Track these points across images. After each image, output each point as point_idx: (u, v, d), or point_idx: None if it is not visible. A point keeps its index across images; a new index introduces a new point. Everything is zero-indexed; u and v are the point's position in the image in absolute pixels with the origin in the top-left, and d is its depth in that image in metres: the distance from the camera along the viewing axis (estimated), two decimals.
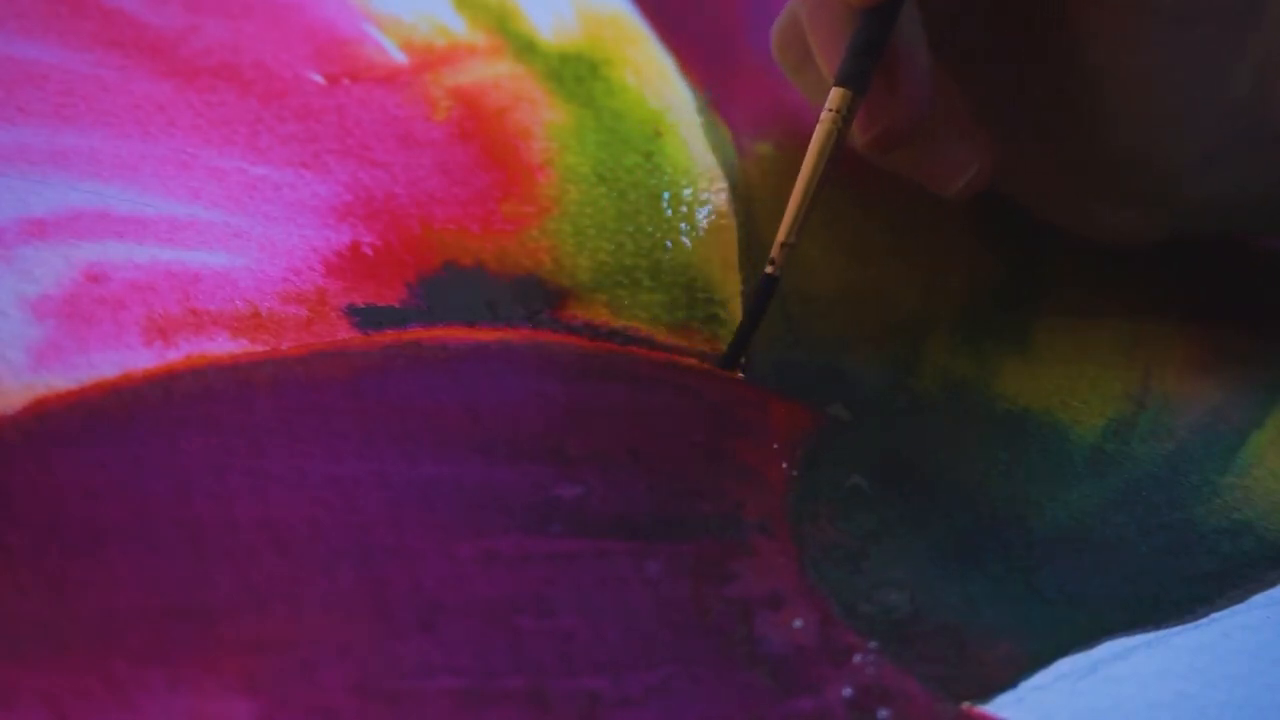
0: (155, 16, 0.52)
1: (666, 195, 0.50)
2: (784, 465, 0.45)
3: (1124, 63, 0.48)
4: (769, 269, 0.46)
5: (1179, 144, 0.48)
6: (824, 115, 0.46)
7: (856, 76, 0.46)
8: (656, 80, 0.54)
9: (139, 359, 0.43)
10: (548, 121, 0.51)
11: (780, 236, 0.46)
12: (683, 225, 0.50)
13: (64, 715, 0.37)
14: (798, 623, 0.41)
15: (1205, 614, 0.43)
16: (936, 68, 0.47)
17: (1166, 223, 0.50)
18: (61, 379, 0.42)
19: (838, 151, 0.46)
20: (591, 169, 0.51)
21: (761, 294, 0.46)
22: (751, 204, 0.51)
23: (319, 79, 0.52)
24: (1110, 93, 0.48)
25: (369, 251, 0.47)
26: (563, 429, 0.44)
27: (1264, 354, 0.49)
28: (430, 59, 0.53)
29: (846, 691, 0.40)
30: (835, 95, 0.46)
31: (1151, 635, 0.43)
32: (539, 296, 0.47)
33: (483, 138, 0.51)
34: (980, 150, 0.48)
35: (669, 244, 0.49)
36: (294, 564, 0.40)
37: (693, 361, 0.47)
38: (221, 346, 0.44)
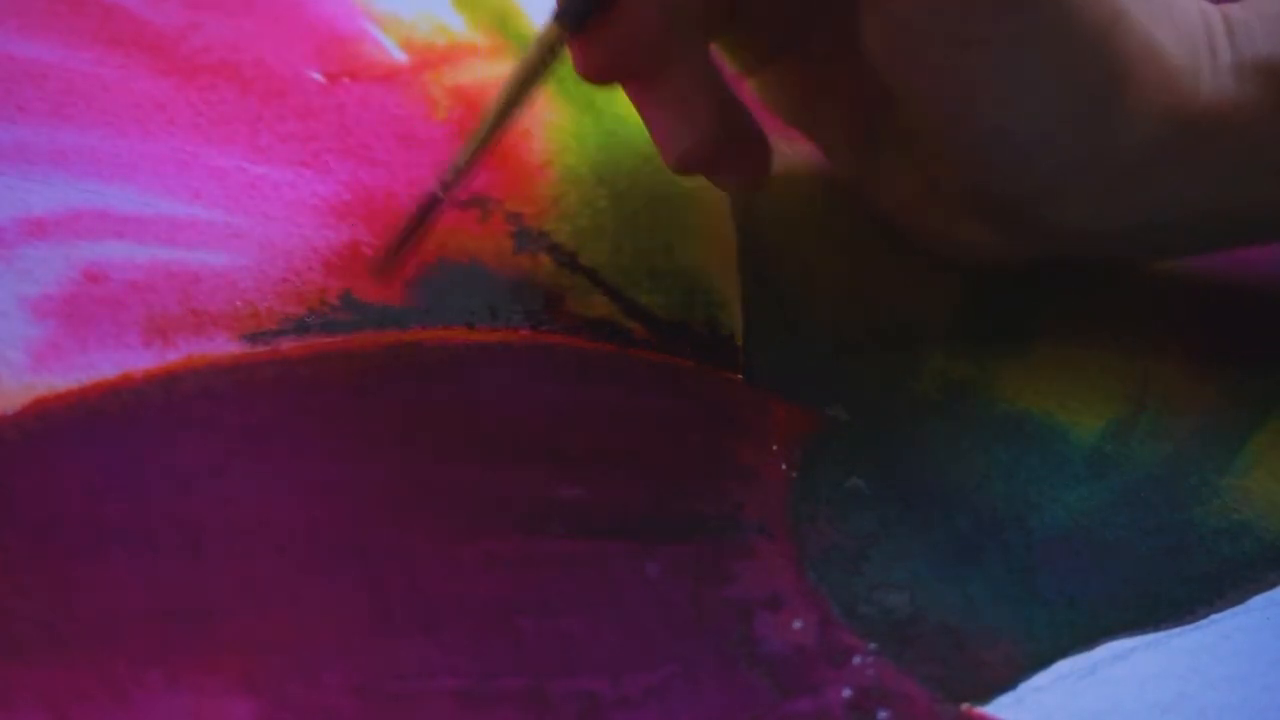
0: (155, 14, 0.52)
1: (666, 198, 0.50)
2: (783, 466, 0.45)
3: (918, 84, 0.45)
4: (437, 188, 0.45)
5: (1016, 172, 0.46)
6: (533, 49, 0.45)
7: (573, 14, 0.44)
8: None
9: (139, 359, 0.43)
10: (548, 122, 0.51)
11: (459, 159, 0.45)
12: (682, 228, 0.50)
13: (64, 715, 0.37)
14: (797, 624, 0.41)
15: (1204, 615, 0.43)
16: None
17: (1034, 245, 0.48)
18: (61, 379, 0.42)
19: (536, 86, 0.45)
20: (591, 170, 0.50)
21: (423, 210, 0.45)
22: (751, 207, 0.51)
23: (319, 77, 0.52)
24: (927, 113, 0.46)
25: (369, 251, 0.47)
26: (563, 430, 0.44)
27: (1263, 356, 0.49)
28: (430, 58, 0.53)
29: (846, 693, 0.40)
30: (549, 30, 0.45)
31: (1151, 636, 0.43)
32: (538, 297, 0.47)
33: None
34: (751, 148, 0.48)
35: (668, 246, 0.49)
36: (294, 564, 0.40)
37: (692, 363, 0.47)
38: (221, 346, 0.44)
